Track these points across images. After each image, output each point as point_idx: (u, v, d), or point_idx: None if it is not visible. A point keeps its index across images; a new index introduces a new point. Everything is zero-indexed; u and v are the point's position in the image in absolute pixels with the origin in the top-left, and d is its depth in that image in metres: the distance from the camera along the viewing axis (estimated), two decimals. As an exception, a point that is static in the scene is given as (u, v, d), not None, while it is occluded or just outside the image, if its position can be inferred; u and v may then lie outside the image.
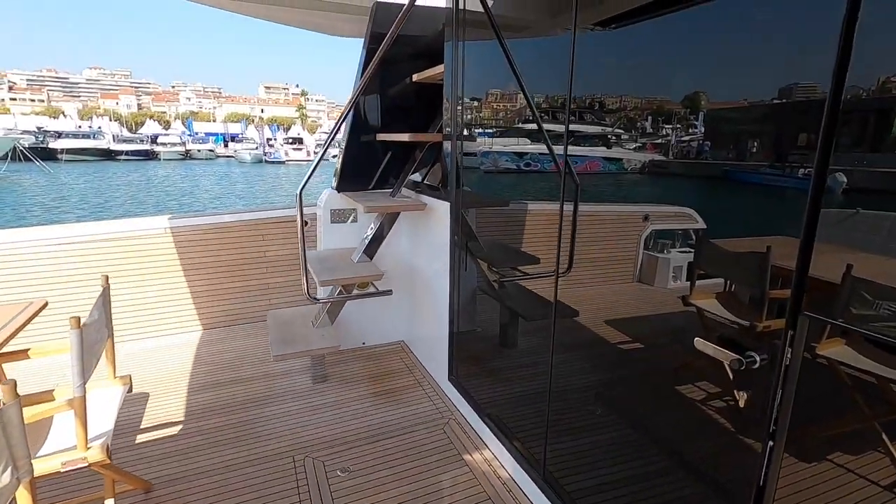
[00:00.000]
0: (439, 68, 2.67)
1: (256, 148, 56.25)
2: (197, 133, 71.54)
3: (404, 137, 2.69)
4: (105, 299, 1.79)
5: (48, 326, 3.19)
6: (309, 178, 2.37)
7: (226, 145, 66.67)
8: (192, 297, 3.62)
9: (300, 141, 58.47)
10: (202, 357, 3.22)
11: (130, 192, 24.15)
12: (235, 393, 2.75)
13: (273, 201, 21.60)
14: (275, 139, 64.90)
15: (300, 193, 2.35)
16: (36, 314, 1.87)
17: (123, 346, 3.37)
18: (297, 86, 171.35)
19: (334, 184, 3.23)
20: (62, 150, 47.30)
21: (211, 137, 68.59)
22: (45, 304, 1.93)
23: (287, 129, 77.16)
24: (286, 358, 2.57)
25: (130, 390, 1.92)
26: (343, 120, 2.55)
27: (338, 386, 2.85)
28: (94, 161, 47.28)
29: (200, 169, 42.04)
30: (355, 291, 2.81)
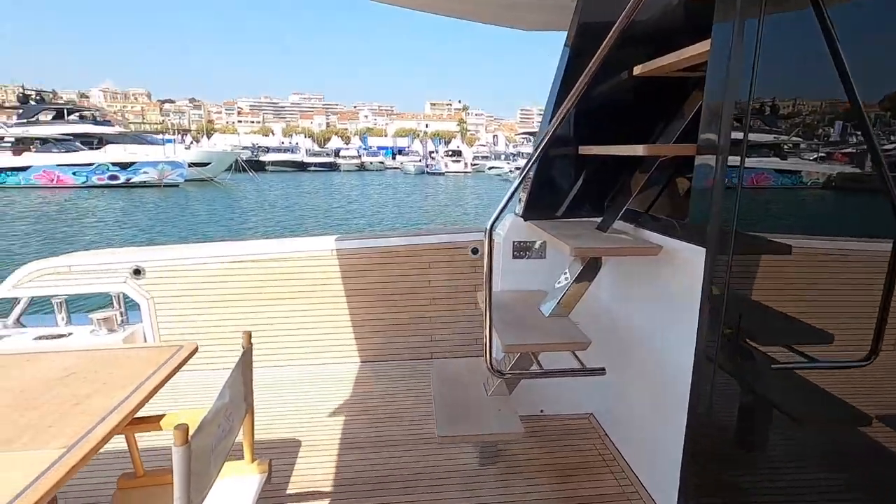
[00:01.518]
0: (669, 58, 1.86)
1: (420, 160, 60.19)
2: (370, 147, 79.53)
3: (638, 151, 1.88)
4: (245, 364, 1.39)
5: (205, 355, 3.14)
6: (503, 209, 1.75)
7: (394, 158, 72.71)
8: (352, 325, 3.32)
9: (459, 153, 60.97)
10: (353, 398, 2.84)
11: (314, 199, 27.36)
12: (384, 460, 2.25)
13: (426, 209, 22.36)
14: (437, 152, 68.70)
15: (490, 229, 1.74)
16: (184, 362, 1.54)
17: (267, 372, 3.18)
18: (459, 101, 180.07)
19: (518, 210, 2.59)
20: (269, 162, 56.60)
21: (382, 151, 75.61)
22: (195, 350, 1.60)
23: (448, 143, 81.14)
24: (454, 442, 2.01)
25: (269, 479, 1.51)
26: (550, 134, 1.88)
27: (510, 474, 2.17)
28: (291, 171, 55.55)
29: (371, 179, 46.32)
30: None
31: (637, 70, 2.20)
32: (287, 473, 2.14)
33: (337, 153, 65.12)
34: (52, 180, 29.16)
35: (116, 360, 1.55)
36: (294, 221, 18.61)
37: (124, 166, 30.23)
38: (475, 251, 3.28)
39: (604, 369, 2.00)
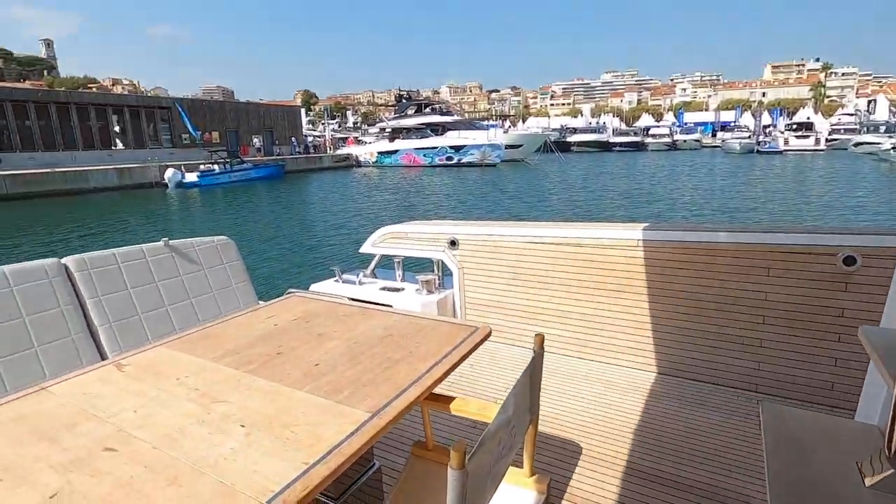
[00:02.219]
0: None
1: (749, 136, 50.12)
2: (686, 123, 71.11)
3: None
4: (535, 369, 1.24)
5: (495, 332, 3.22)
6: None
7: (714, 135, 63.09)
8: (652, 330, 2.88)
9: (809, 126, 47.59)
10: (648, 416, 2.43)
11: (612, 181, 26.40)
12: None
13: (749, 197, 18.18)
14: (774, 125, 55.94)
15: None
16: (477, 346, 1.53)
17: (551, 359, 3.03)
18: (818, 59, 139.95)
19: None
20: (574, 142, 57.73)
21: (700, 127, 66.61)
22: (489, 334, 1.57)
23: (792, 114, 64.77)
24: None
25: (548, 500, 1.35)
26: None
27: None
28: (595, 152, 55.23)
29: (682, 159, 41.39)
30: None
31: None
32: (562, 486, 1.97)
33: (646, 131, 60.83)
34: (411, 161, 37.43)
35: (423, 330, 1.65)
36: (592, 202, 18.39)
37: (457, 149, 36.13)
38: (850, 261, 2.32)
39: None
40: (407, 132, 40.09)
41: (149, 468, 0.99)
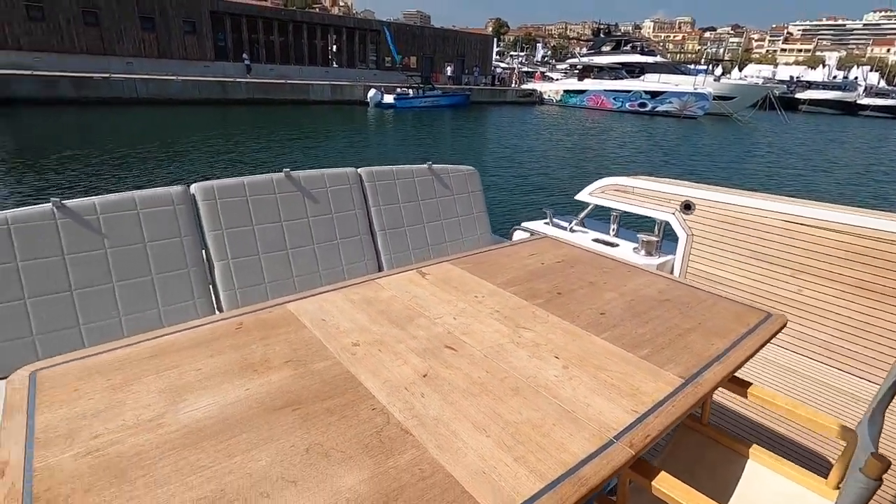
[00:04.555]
0: None
1: None
2: None
3: None
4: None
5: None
6: None
7: None
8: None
9: None
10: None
11: (847, 154, 21.13)
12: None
13: None
14: None
15: None
16: (773, 336, 1.41)
17: (784, 357, 2.66)
18: None
19: None
20: (804, 100, 47.27)
21: None
22: (784, 325, 1.44)
23: None
24: None
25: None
26: None
27: None
28: (833, 114, 44.59)
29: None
30: None
31: None
32: None
33: (917, 94, 46.64)
34: (597, 104, 34.87)
35: (703, 302, 1.57)
36: (804, 180, 15.12)
37: (654, 95, 32.41)
38: None
39: None
40: (599, 71, 37.11)
41: (490, 373, 1.15)
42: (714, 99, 31.62)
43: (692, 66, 48.76)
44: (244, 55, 28.02)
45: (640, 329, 1.38)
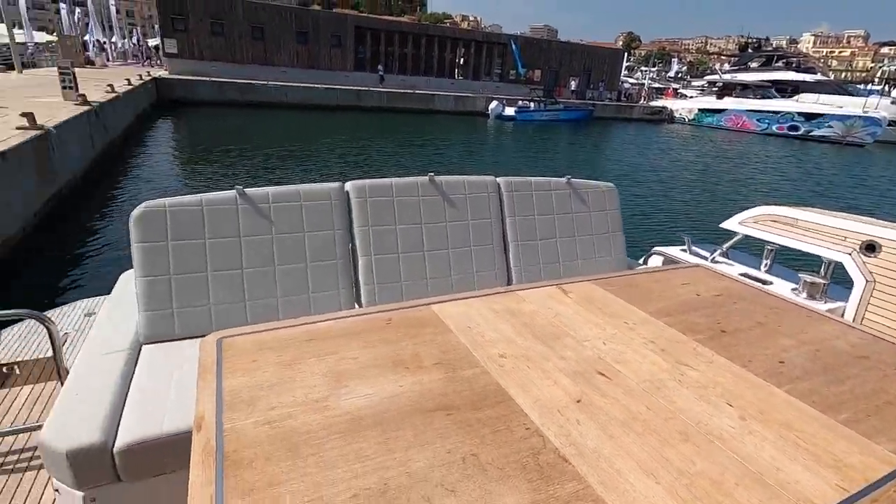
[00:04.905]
0: None
1: None
2: None
3: None
4: None
5: None
6: None
7: None
8: None
9: None
10: None
11: None
12: None
13: None
14: None
15: None
16: None
17: None
18: None
19: None
20: None
21: None
22: None
23: None
24: None
25: None
26: None
27: None
28: None
29: None
30: None
31: None
32: None
33: None
34: (738, 125, 31.68)
35: (917, 366, 1.29)
36: None
37: (809, 117, 28.60)
38: None
39: None
40: (742, 89, 33.69)
41: (651, 410, 1.04)
42: (890, 124, 27.02)
43: (862, 87, 42.20)
44: (379, 66, 30.14)
45: (833, 388, 1.17)
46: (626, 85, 43.26)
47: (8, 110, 8.17)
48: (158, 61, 30.96)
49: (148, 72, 23.29)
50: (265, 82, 24.20)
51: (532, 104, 28.23)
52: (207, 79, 23.26)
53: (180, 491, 1.43)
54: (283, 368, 1.10)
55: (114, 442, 1.34)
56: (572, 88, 36.26)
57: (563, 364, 1.19)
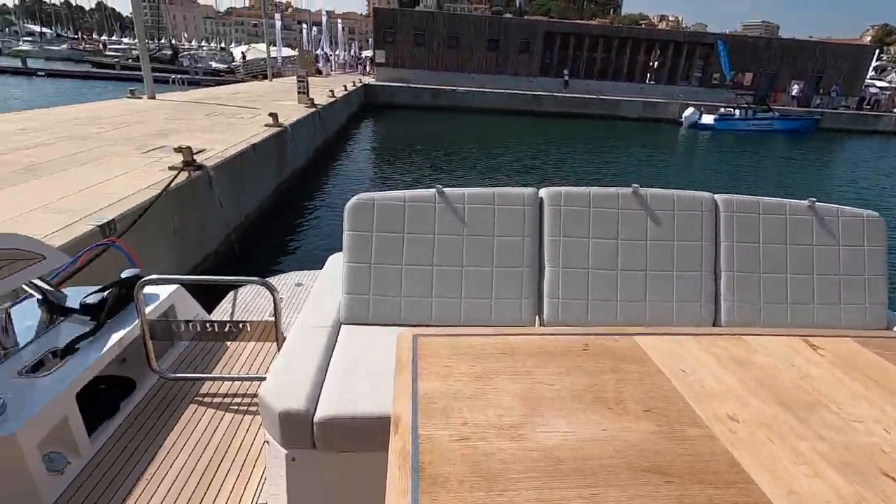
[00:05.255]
0: None
1: None
2: None
3: None
4: None
5: None
6: None
7: None
8: None
9: None
10: None
11: None
12: None
13: None
14: None
15: None
16: None
17: None
18: None
19: None
20: None
21: None
22: None
23: None
24: None
25: None
26: None
27: None
28: None
29: None
30: None
31: None
32: None
33: None
34: None
35: None
36: None
37: None
38: None
39: None
40: None
41: None
42: None
43: None
44: (565, 71, 29.64)
45: None
46: (873, 90, 34.76)
47: (260, 111, 10.13)
48: (368, 70, 35.41)
49: (360, 78, 26.85)
50: (454, 88, 25.81)
51: (737, 111, 24.62)
52: (405, 85, 25.80)
53: (364, 471, 1.51)
54: (476, 381, 1.05)
55: (314, 412, 1.47)
56: (793, 94, 30.61)
57: (825, 448, 0.91)
